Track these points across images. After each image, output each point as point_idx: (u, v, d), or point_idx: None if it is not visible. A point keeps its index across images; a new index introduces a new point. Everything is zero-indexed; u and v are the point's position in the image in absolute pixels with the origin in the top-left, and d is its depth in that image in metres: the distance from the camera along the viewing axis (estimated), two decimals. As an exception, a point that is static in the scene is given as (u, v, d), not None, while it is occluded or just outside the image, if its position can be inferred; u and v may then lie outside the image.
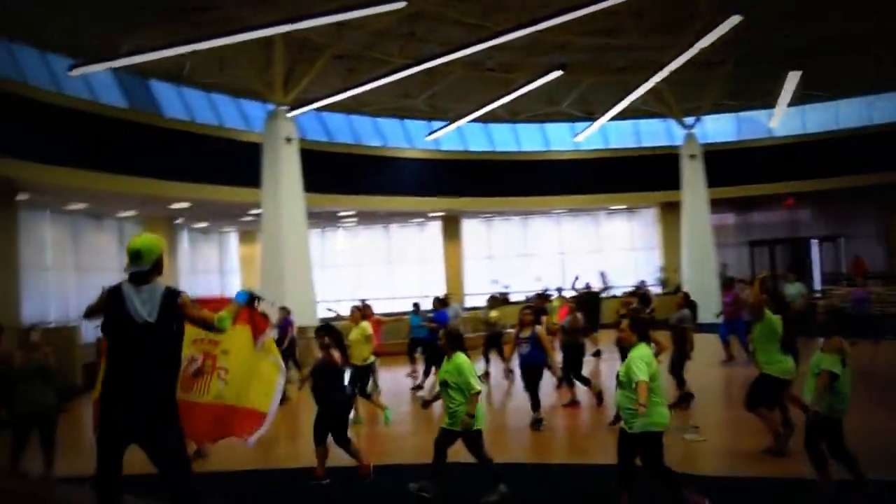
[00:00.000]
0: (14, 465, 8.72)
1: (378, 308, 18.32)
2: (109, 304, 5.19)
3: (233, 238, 35.62)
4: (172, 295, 5.21)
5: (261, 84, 22.56)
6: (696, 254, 29.14)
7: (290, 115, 22.50)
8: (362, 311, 14.32)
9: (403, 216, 34.34)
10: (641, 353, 6.81)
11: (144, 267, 5.23)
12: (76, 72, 19.43)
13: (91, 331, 23.66)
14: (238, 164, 24.01)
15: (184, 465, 5.19)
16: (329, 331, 9.11)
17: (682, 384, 12.58)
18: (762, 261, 33.03)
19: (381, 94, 26.49)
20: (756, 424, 9.39)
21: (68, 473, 8.81)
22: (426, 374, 16.20)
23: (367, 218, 33.87)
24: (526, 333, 11.79)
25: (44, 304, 24.59)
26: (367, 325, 13.19)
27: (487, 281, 32.22)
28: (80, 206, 24.96)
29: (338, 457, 8.82)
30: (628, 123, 33.06)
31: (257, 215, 23.09)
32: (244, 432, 5.67)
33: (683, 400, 12.42)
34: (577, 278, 22.04)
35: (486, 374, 16.76)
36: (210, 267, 34.54)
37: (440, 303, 17.49)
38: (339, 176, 27.98)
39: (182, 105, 25.25)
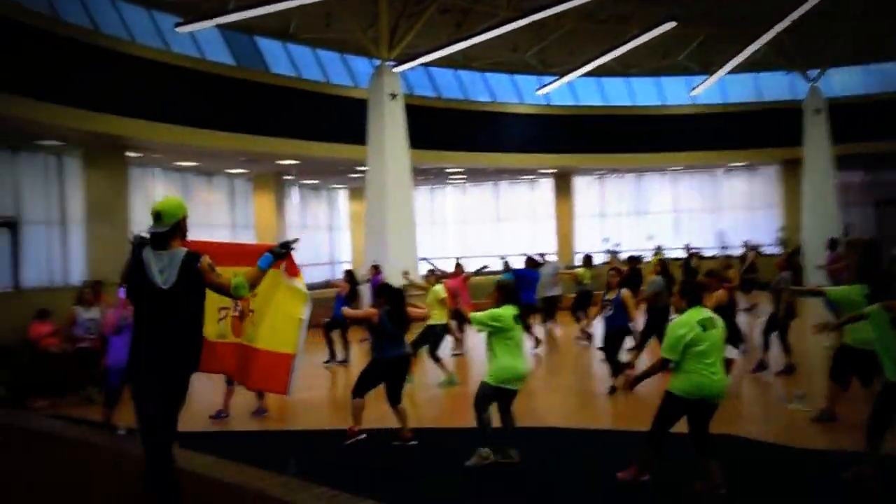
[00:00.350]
0: (107, 420, 8.76)
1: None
2: (131, 270, 5.09)
3: (342, 195, 35.74)
4: (192, 260, 5.02)
5: (367, 39, 22.24)
6: (817, 214, 27.63)
7: (395, 70, 22.16)
8: (438, 276, 14.29)
9: (513, 173, 33.71)
10: (682, 319, 6.55)
11: (161, 229, 5.06)
12: (182, 29, 19.50)
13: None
14: (344, 120, 23.83)
15: (166, 450, 5.14)
16: (385, 291, 8.91)
17: (789, 351, 12.02)
18: (891, 223, 31.06)
19: (489, 49, 25.81)
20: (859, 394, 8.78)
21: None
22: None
23: (476, 175, 33.43)
24: (611, 296, 11.26)
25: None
26: (439, 289, 12.87)
27: (598, 239, 31.42)
28: (190, 163, 25.32)
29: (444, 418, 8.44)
30: (748, 77, 31.32)
31: (365, 172, 22.91)
32: (279, 385, 5.71)
33: (788, 370, 11.85)
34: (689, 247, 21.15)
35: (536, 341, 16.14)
36: (320, 223, 34.77)
37: (531, 262, 16.89)
38: (446, 132, 27.59)
39: (288, 62, 25.17)
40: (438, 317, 12.45)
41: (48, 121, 17.53)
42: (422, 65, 24.24)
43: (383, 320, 8.55)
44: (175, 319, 4.98)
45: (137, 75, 19.80)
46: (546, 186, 35.05)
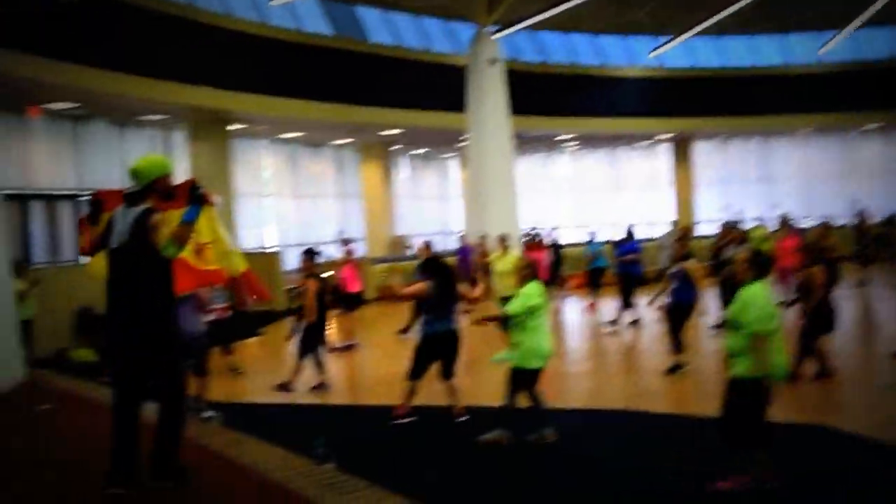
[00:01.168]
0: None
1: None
2: (106, 230, 4.93)
3: (453, 164, 35.28)
4: (144, 216, 4.74)
5: (467, 4, 21.63)
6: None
7: (494, 36, 21.54)
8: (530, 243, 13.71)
9: (629, 139, 32.52)
10: (758, 291, 5.83)
11: (136, 187, 4.89)
12: (277, 2, 19.46)
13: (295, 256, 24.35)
14: (447, 89, 23.33)
15: (178, 402, 5.09)
16: (433, 266, 8.49)
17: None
18: None
19: (599, 9, 24.73)
20: None
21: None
22: (625, 307, 14.80)
23: (590, 142, 32.44)
24: (676, 268, 10.43)
25: (261, 231, 25.46)
26: (515, 257, 12.20)
27: (720, 207, 29.93)
28: (295, 134, 25.39)
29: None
30: (882, 31, 29.06)
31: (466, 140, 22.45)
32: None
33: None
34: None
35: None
36: (431, 193, 34.52)
37: (631, 234, 15.90)
38: (555, 98, 26.79)
39: (388, 30, 24.83)
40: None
41: (152, 97, 17.92)
42: (527, 28, 23.44)
43: (432, 295, 8.07)
44: (128, 282, 4.70)
45: (238, 49, 19.91)
46: (664, 152, 33.70)
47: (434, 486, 5.98)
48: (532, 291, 7.18)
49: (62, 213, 19.01)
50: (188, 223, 4.84)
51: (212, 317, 10.46)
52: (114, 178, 20.26)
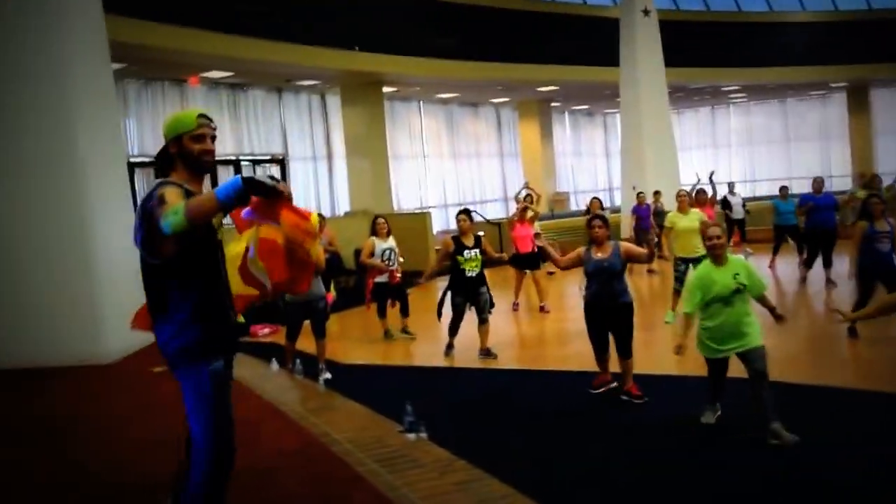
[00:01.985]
0: (289, 352, 8.89)
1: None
2: None
3: (618, 119, 34.40)
4: (152, 189, 3.41)
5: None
6: None
7: (649, -16, 20.76)
8: (696, 198, 13.13)
9: (799, 89, 30.62)
10: None
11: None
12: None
13: (444, 218, 24.48)
14: (603, 42, 22.70)
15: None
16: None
17: None
18: None
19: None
20: None
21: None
22: (807, 264, 13.69)
23: (758, 93, 30.79)
24: (882, 227, 9.08)
25: (419, 192, 25.80)
26: (698, 213, 11.50)
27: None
28: (451, 94, 25.44)
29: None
30: None
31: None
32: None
33: None
34: None
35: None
36: (595, 150, 33.91)
37: (819, 185, 14.57)
38: (719, 48, 25.52)
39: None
40: (697, 246, 10.47)
41: (305, 62, 18.34)
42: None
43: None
44: (144, 269, 3.53)
45: (389, 11, 20.02)
46: (839, 101, 31.56)
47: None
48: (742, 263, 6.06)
49: (222, 178, 19.93)
50: (219, 200, 3.18)
51: (384, 279, 10.68)
52: (273, 142, 21.10)
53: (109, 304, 8.62)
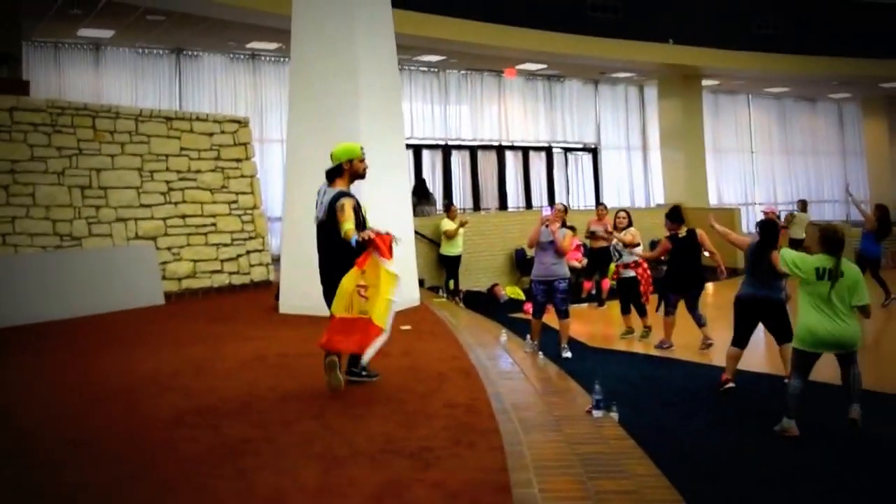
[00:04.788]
0: (534, 329, 9.15)
1: None
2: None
3: None
4: (335, 199, 5.99)
5: None
6: None
7: None
8: None
9: None
10: None
11: (331, 167, 6.24)
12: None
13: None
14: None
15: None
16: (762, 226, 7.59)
17: None
18: None
19: None
20: None
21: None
22: None
23: None
24: None
25: (743, 187, 24.97)
26: None
27: None
28: (782, 89, 24.26)
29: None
30: None
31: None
32: (355, 346, 5.77)
33: None
34: None
35: None
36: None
37: None
38: None
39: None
40: None
41: (619, 57, 18.72)
42: None
43: (749, 253, 7.55)
44: (325, 247, 6.18)
45: (706, 3, 19.68)
46: None
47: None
48: (805, 261, 6.12)
49: (534, 163, 20.77)
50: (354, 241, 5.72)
51: (630, 274, 10.68)
52: (586, 131, 21.55)
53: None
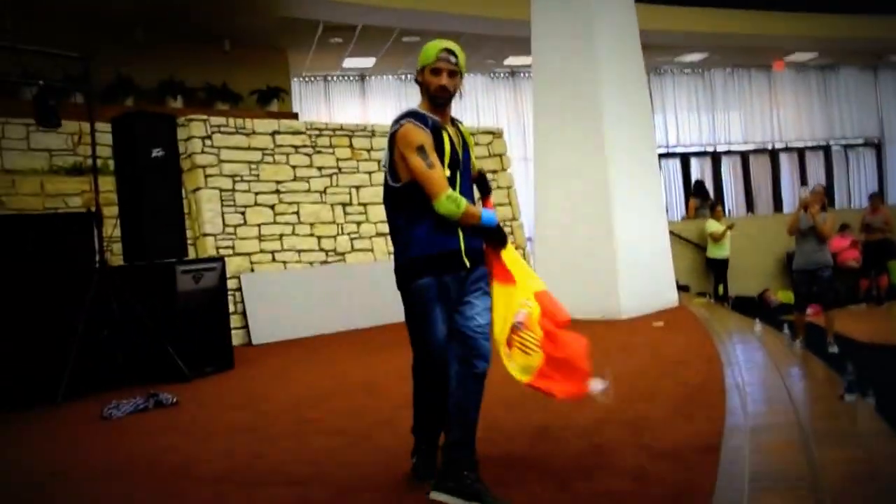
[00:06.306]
0: (798, 324, 8.69)
1: None
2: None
3: None
4: (395, 122, 3.54)
5: None
6: None
7: None
8: None
9: None
10: None
11: None
12: None
13: None
14: None
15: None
16: None
17: None
18: None
19: None
20: None
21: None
22: None
23: None
24: None
25: None
26: None
27: None
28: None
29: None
30: None
31: None
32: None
33: None
34: None
35: None
36: None
37: None
38: None
39: None
40: None
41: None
42: None
43: None
44: (385, 194, 3.65)
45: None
46: None
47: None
48: None
49: (810, 164, 19.52)
50: (480, 223, 3.49)
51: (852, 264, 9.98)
52: (867, 124, 19.95)
53: (625, 268, 9.48)
